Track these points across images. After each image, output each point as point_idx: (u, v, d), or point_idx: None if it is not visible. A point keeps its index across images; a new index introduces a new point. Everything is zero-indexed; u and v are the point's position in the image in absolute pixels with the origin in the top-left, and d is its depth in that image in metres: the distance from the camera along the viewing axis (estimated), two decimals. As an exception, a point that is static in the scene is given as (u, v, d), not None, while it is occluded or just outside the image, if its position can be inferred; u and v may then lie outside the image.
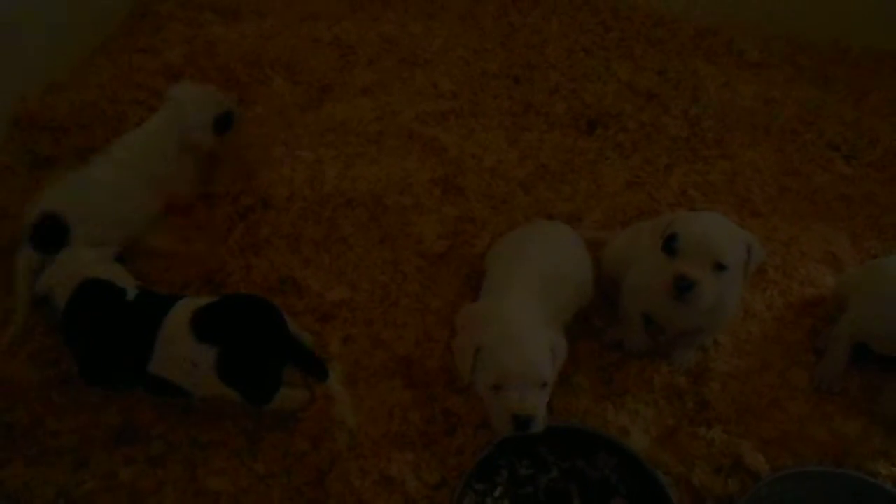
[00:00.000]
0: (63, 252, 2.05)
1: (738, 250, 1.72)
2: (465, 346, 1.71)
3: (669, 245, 1.73)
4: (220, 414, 1.95)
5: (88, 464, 1.89)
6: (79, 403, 2.01)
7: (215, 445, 1.90)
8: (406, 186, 2.45)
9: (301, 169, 2.53)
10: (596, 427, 1.88)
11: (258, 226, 2.39)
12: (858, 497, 1.74)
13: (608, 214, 2.45)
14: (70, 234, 2.09)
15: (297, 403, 1.94)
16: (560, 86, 2.90)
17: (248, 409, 1.92)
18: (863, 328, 1.99)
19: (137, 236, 2.28)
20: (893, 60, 3.16)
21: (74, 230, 2.09)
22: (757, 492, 1.72)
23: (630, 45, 3.13)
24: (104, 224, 2.16)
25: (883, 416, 1.95)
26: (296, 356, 1.87)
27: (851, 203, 2.56)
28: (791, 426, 1.93)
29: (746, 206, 2.50)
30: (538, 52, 3.07)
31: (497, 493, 1.77)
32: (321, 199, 2.45)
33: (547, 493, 1.77)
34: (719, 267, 1.70)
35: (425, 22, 3.22)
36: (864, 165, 2.70)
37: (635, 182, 2.58)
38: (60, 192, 2.16)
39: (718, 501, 1.79)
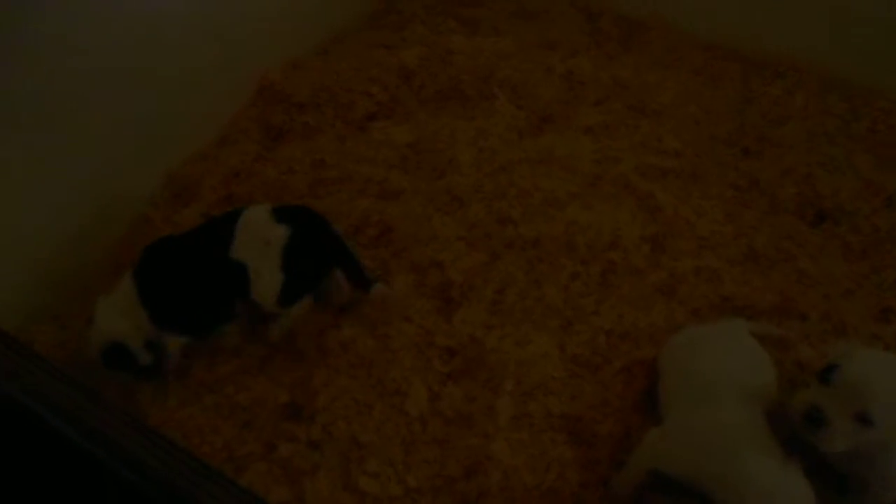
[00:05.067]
0: None
1: None
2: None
3: (826, 374, 1.54)
4: (385, 420, 1.97)
5: (253, 427, 1.98)
6: (258, 370, 2.12)
7: (373, 447, 1.92)
8: (615, 238, 2.36)
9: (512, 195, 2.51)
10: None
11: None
12: None
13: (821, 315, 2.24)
14: None
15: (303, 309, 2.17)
16: (793, 168, 2.67)
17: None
18: None
19: None
20: None
21: None
22: None
23: (879, 140, 2.85)
24: None
25: None
26: (347, 262, 2.16)
27: None
28: None
29: None
30: (775, 127, 2.86)
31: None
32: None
33: None
34: (863, 419, 1.47)
35: (661, 71, 3.08)
36: None
37: (856, 289, 2.35)
38: None
39: None
